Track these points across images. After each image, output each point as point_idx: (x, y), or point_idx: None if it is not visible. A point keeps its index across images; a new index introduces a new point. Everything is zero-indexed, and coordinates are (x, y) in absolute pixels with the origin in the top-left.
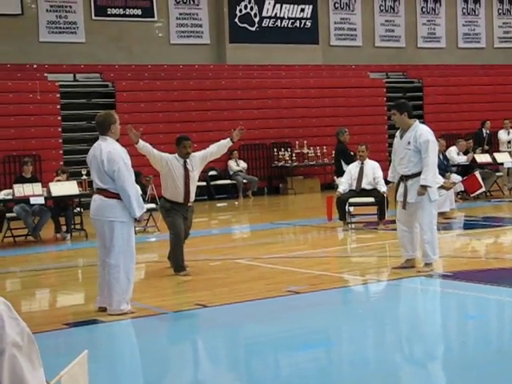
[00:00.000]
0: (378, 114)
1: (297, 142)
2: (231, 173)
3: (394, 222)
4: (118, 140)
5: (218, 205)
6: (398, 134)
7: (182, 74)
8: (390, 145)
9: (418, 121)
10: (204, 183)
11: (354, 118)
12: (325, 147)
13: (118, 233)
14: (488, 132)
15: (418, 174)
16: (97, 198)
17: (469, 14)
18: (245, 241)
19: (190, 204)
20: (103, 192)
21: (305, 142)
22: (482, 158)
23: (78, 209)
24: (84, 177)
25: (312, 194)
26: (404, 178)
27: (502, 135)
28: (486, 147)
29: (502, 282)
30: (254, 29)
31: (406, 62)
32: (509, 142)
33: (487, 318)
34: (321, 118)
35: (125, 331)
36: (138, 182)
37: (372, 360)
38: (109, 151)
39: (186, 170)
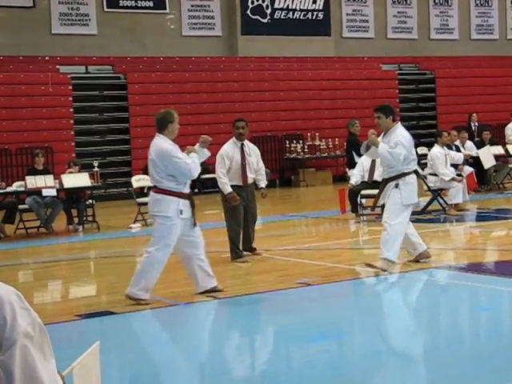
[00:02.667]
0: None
1: (309, 134)
2: None
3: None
4: (173, 140)
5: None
6: (380, 138)
7: (193, 66)
8: None
9: (399, 123)
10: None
11: (366, 110)
12: (337, 139)
13: (158, 226)
14: (476, 124)
15: (395, 178)
16: (150, 194)
17: (482, 4)
18: (256, 233)
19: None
20: (153, 188)
21: (317, 134)
22: (495, 149)
23: (90, 201)
24: (96, 169)
25: (324, 186)
26: (385, 182)
27: (510, 130)
28: (477, 139)
29: None
30: (265, 20)
31: (419, 53)
32: None
33: (500, 310)
34: (333, 110)
35: (137, 322)
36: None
37: (383, 352)
38: (159, 149)
39: (243, 153)
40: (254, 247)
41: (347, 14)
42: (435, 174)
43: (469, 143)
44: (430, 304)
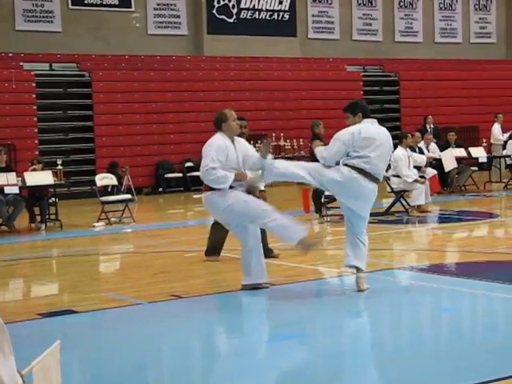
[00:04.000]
0: None
1: (273, 135)
2: None
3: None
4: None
5: (195, 196)
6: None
7: (159, 65)
8: None
9: (365, 121)
10: (180, 175)
11: (331, 111)
12: (301, 140)
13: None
14: (432, 126)
15: None
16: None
17: (446, 8)
18: None
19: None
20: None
21: (281, 134)
22: (457, 152)
23: (53, 199)
24: (59, 167)
25: (288, 187)
26: None
27: (496, 130)
28: (434, 140)
29: (476, 275)
30: (231, 20)
31: (383, 55)
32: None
33: (461, 311)
34: (298, 110)
35: (99, 322)
36: (113, 172)
37: (345, 352)
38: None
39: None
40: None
41: (313, 15)
42: (398, 176)
43: (432, 145)
44: (391, 305)
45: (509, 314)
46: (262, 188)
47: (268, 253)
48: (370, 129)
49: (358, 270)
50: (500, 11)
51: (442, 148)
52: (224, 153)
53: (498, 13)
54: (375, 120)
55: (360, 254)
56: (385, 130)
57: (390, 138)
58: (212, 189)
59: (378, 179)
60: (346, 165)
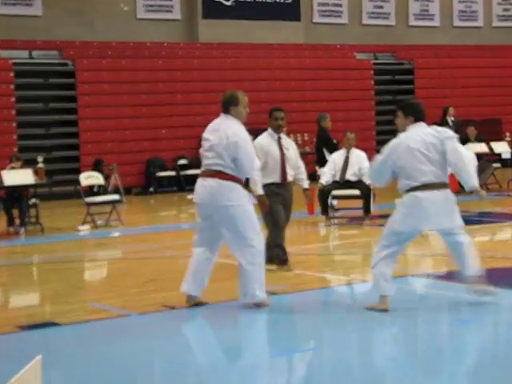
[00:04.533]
0: (365, 98)
1: None
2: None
3: (381, 216)
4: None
5: (189, 197)
6: None
7: (149, 53)
8: (378, 133)
9: (416, 124)
10: (173, 173)
11: (338, 102)
12: (306, 134)
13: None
14: (453, 119)
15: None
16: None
17: None
18: None
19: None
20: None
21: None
22: (478, 147)
23: (34, 200)
24: (40, 165)
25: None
26: None
27: None
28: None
29: (498, 283)
30: (229, 3)
31: (396, 41)
32: None
33: (482, 323)
34: (302, 102)
35: (84, 335)
36: (99, 170)
37: (354, 365)
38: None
39: (281, 147)
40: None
41: None
42: None
43: None
44: (406, 315)
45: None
46: (306, 186)
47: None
48: (414, 136)
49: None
50: None
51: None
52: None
53: None
54: (424, 124)
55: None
56: (429, 131)
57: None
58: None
59: (444, 182)
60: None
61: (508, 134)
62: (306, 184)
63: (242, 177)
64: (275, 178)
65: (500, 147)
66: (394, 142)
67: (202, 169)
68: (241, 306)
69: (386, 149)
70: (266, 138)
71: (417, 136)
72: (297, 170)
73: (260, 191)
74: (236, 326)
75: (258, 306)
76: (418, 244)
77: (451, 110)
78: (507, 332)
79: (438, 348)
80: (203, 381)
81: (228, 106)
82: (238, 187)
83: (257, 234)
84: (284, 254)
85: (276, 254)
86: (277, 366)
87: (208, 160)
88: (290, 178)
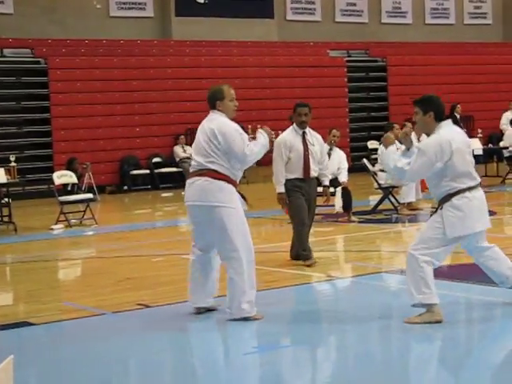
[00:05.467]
0: (339, 95)
1: (249, 126)
2: (177, 160)
3: (355, 213)
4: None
5: (163, 195)
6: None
7: (122, 51)
8: (352, 130)
9: (444, 123)
10: (147, 171)
11: (312, 99)
12: (280, 132)
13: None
14: (459, 116)
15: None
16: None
17: None
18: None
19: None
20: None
21: (258, 126)
22: None
23: (6, 199)
24: (13, 163)
25: (266, 184)
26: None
27: (505, 119)
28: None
29: (471, 279)
30: (202, 1)
31: (369, 38)
32: None
33: (454, 317)
34: (276, 99)
35: (58, 334)
36: (72, 169)
37: (325, 362)
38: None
39: (305, 142)
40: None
41: None
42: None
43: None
44: (380, 312)
45: (506, 320)
46: (327, 183)
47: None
48: (456, 136)
49: None
50: None
51: None
52: None
53: None
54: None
55: None
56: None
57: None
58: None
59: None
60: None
61: (480, 130)
62: (326, 181)
63: (237, 172)
64: (298, 173)
65: (472, 144)
66: (441, 140)
67: (191, 170)
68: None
69: (431, 147)
70: (291, 134)
71: (461, 136)
72: (321, 165)
73: (279, 189)
74: (210, 325)
75: (247, 319)
76: (391, 240)
77: (458, 108)
78: (479, 326)
79: (412, 344)
80: (177, 379)
81: (214, 101)
82: (230, 188)
83: (245, 243)
84: (309, 253)
85: (300, 254)
86: (249, 363)
87: (195, 161)
88: (314, 173)
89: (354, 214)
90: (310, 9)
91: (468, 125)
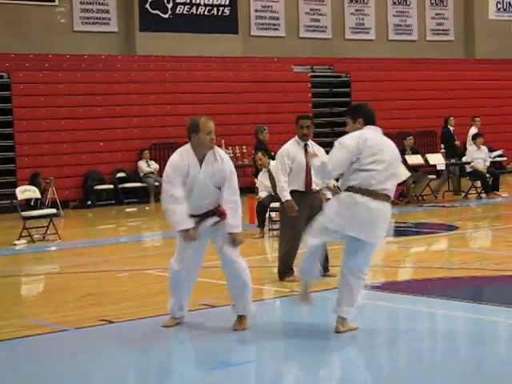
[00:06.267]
0: (303, 111)
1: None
2: (141, 175)
3: None
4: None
5: (127, 210)
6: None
7: (86, 65)
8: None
9: (368, 127)
10: (111, 186)
11: (276, 115)
12: (244, 147)
13: None
14: (453, 128)
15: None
16: None
17: (400, 3)
18: (156, 249)
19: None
20: None
21: (222, 141)
22: (414, 159)
23: None
24: None
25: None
26: None
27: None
28: (457, 143)
29: (434, 293)
30: (166, 16)
31: (333, 54)
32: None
33: (419, 332)
34: (240, 115)
35: (20, 351)
36: (36, 184)
37: (292, 377)
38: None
39: (307, 154)
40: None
41: (256, 11)
42: None
43: None
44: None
45: (469, 334)
46: (330, 196)
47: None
48: (375, 137)
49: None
50: (458, 6)
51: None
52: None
53: (455, 8)
54: (380, 129)
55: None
56: (391, 142)
57: (398, 152)
58: None
59: (389, 196)
60: (346, 190)
61: (442, 146)
62: (329, 194)
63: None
64: (299, 185)
65: (435, 159)
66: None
67: None
68: (180, 319)
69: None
70: (293, 145)
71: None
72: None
73: (286, 197)
74: (172, 340)
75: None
76: None
77: (452, 121)
78: (442, 340)
79: (375, 357)
80: None
81: (189, 133)
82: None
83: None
84: (287, 266)
85: (281, 271)
86: (213, 380)
87: None
88: (315, 186)
89: None
90: (275, 24)
91: (430, 140)
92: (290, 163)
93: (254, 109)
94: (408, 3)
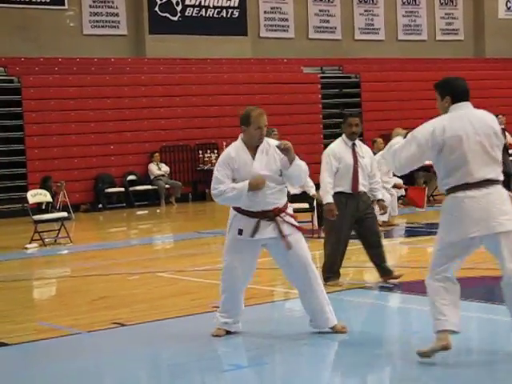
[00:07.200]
0: (313, 112)
1: (224, 143)
2: (152, 177)
3: None
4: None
5: (138, 213)
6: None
7: (96, 69)
8: (326, 146)
9: (458, 105)
10: (122, 189)
11: (286, 116)
12: None
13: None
14: (503, 127)
15: None
16: None
17: (409, 3)
18: (167, 252)
19: (360, 192)
20: None
21: (233, 142)
22: None
23: None
24: None
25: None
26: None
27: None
28: None
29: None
30: (176, 18)
31: (343, 55)
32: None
33: (429, 332)
34: None
35: (32, 355)
36: (47, 187)
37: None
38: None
39: (355, 154)
40: (390, 269)
41: (265, 12)
42: None
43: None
44: (356, 327)
45: (483, 335)
46: (380, 197)
47: (387, 273)
48: (457, 121)
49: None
50: (467, 6)
51: None
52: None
53: (465, 7)
54: (470, 105)
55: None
56: (482, 115)
57: (493, 128)
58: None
59: (495, 180)
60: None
61: None
62: (379, 195)
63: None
64: (345, 186)
65: None
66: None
67: None
68: (185, 322)
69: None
70: (340, 145)
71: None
72: (372, 179)
73: (327, 199)
74: (185, 342)
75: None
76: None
77: (500, 118)
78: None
79: (389, 358)
80: None
81: (240, 125)
82: (234, 214)
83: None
84: (331, 270)
85: (323, 269)
86: (225, 382)
87: None
88: (362, 187)
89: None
90: (284, 26)
91: None
92: (336, 164)
93: (263, 110)
94: (417, 3)
